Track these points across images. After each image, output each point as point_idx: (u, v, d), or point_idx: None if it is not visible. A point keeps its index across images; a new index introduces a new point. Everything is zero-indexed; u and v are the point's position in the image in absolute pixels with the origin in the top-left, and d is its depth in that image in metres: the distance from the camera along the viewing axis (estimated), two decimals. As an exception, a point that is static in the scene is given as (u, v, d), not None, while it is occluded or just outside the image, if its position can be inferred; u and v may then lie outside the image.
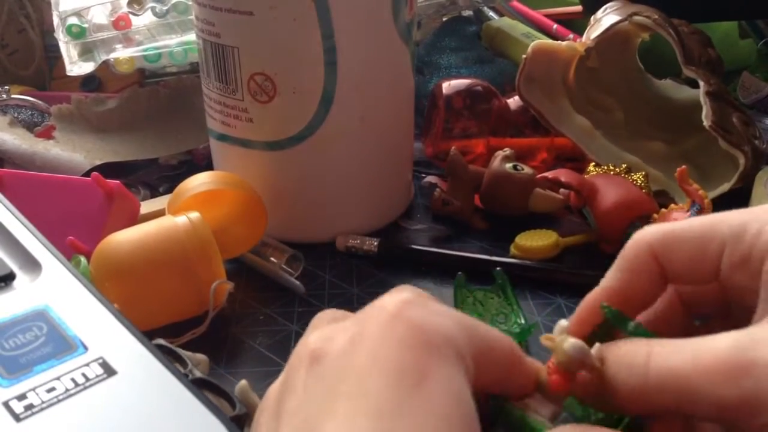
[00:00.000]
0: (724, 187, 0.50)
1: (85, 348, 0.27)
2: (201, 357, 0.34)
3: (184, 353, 0.32)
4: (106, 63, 0.60)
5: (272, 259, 0.47)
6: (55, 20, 0.60)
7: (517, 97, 0.56)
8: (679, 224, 0.26)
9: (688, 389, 0.21)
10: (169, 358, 0.31)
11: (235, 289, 0.42)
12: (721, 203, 0.48)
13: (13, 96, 0.66)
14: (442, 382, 0.20)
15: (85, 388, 0.25)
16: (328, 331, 0.22)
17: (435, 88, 0.58)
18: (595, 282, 0.31)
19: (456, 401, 0.20)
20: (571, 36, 0.71)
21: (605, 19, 0.55)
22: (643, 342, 0.23)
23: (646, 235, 0.26)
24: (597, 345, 0.24)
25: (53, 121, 0.62)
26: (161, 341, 0.31)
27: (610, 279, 0.27)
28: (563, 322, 0.26)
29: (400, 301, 0.21)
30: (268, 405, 0.23)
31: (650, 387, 0.22)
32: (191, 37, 0.61)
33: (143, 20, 0.62)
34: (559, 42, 0.56)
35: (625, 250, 0.26)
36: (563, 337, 0.25)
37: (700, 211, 0.43)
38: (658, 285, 0.26)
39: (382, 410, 0.19)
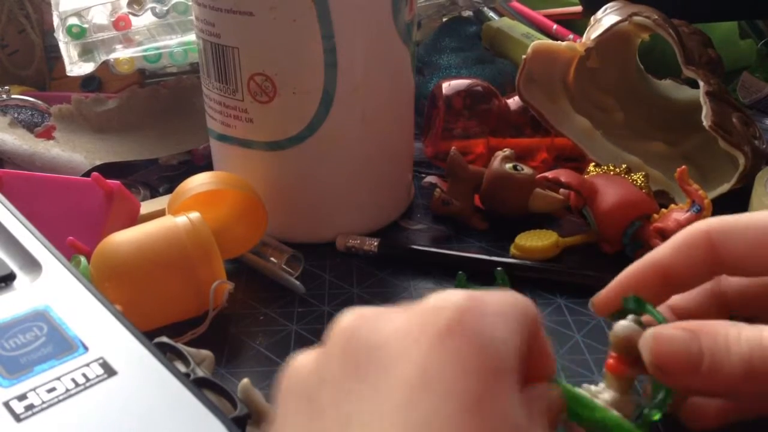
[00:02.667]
0: (724, 187, 0.50)
1: (86, 348, 0.27)
2: (206, 353, 0.33)
3: (188, 350, 0.32)
4: (106, 63, 0.60)
5: (272, 259, 0.47)
6: (55, 20, 0.60)
7: (517, 97, 0.56)
8: (741, 216, 0.26)
9: None
10: (171, 355, 0.31)
11: (235, 289, 0.42)
12: (721, 203, 0.48)
13: (13, 96, 0.66)
14: (498, 410, 0.19)
15: (86, 388, 0.25)
16: (372, 319, 0.21)
17: (435, 88, 0.58)
18: (595, 282, 0.31)
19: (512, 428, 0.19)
20: (571, 36, 0.71)
21: (605, 19, 0.55)
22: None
23: (704, 224, 0.26)
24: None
25: (53, 122, 0.62)
26: (164, 339, 0.31)
27: (660, 253, 0.26)
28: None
29: (458, 311, 0.20)
30: (297, 386, 0.21)
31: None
32: (191, 37, 0.61)
33: (143, 20, 0.62)
34: (559, 42, 0.56)
35: (682, 232, 0.26)
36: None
37: (700, 212, 0.43)
38: (705, 272, 0.26)
39: None
